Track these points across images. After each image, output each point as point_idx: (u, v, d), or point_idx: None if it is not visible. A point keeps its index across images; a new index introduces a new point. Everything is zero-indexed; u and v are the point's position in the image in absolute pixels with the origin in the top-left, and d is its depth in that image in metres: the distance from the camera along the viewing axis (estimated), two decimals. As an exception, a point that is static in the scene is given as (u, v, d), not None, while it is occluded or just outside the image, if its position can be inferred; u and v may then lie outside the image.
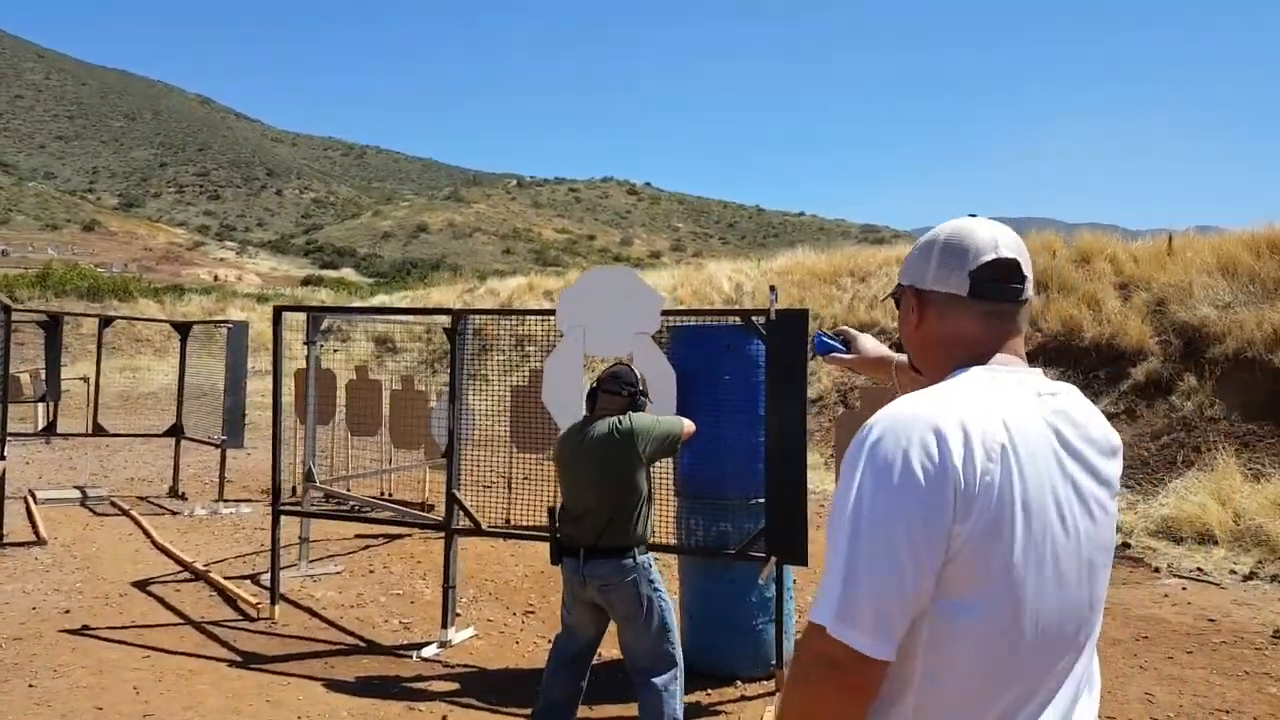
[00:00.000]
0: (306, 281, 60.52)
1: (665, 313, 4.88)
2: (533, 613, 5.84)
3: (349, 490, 9.57)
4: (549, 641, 5.28)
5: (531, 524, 5.98)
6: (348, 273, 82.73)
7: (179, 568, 6.59)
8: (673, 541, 4.95)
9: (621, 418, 3.47)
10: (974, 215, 1.37)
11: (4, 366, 7.01)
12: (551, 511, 3.59)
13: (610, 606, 3.44)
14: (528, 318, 11.19)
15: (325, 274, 73.97)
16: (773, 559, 4.43)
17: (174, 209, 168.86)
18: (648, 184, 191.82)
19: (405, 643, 5.23)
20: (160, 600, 5.82)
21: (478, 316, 7.92)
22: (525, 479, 7.41)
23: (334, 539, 7.64)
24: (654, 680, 3.41)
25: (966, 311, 1.30)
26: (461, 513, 5.28)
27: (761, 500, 4.56)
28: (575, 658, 3.59)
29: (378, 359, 21.46)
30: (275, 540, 5.64)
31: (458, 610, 5.71)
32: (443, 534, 5.34)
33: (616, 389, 3.55)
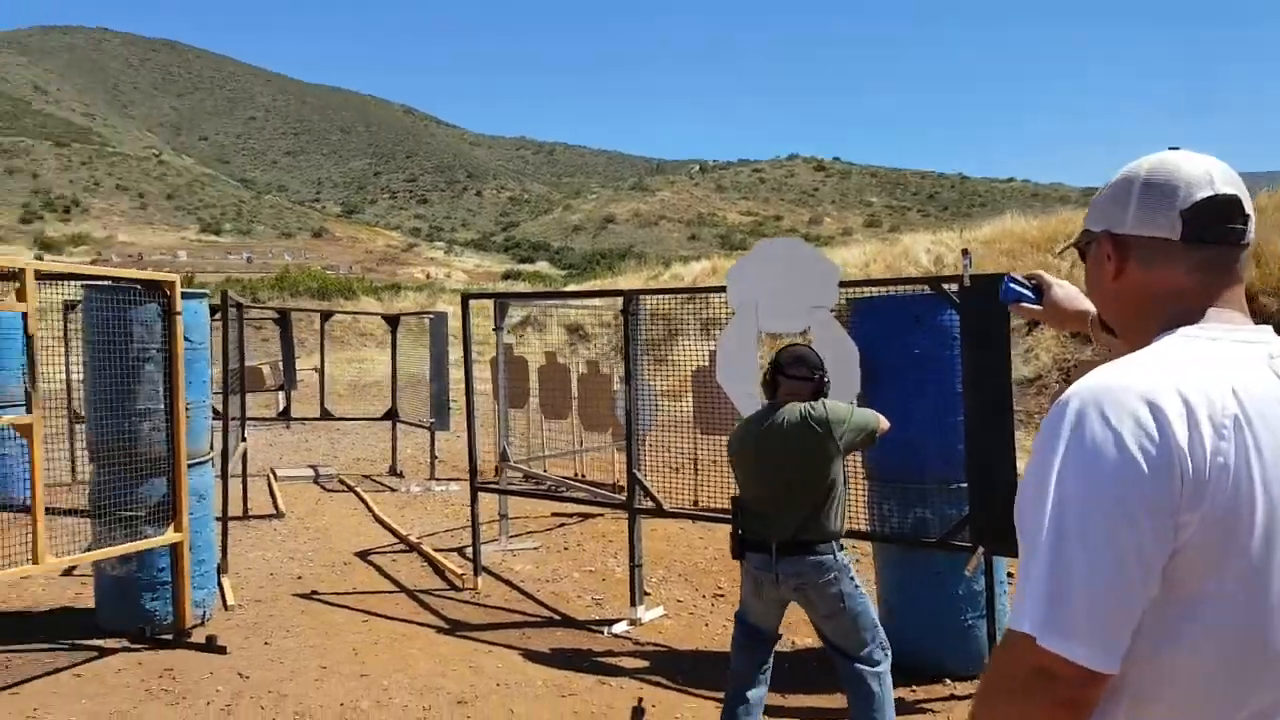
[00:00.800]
0: (507, 276, 63.67)
1: (844, 284, 4.66)
2: (722, 596, 5.81)
3: (545, 470, 9.96)
4: (737, 624, 5.25)
5: (719, 507, 5.96)
6: (543, 266, 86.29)
7: (395, 540, 7.09)
8: (865, 528, 4.74)
9: (813, 404, 3.23)
10: (1176, 148, 1.19)
11: (239, 358, 7.78)
12: (735, 502, 3.37)
13: (809, 605, 3.24)
14: (711, 299, 11.23)
15: (523, 268, 77.54)
16: (980, 549, 4.12)
17: (389, 214, 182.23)
18: (836, 159, 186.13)
19: (597, 618, 5.35)
20: (379, 569, 6.27)
21: (655, 299, 8.02)
22: (713, 462, 7.40)
23: (532, 516, 7.95)
24: (867, 669, 3.19)
25: (1177, 259, 1.12)
26: (643, 493, 5.33)
27: (963, 485, 4.25)
28: (760, 646, 3.40)
29: (570, 346, 22.25)
30: (474, 516, 5.93)
31: (646, 589, 5.77)
32: (626, 514, 5.42)
33: (804, 373, 3.30)
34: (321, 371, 11.06)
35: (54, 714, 3.71)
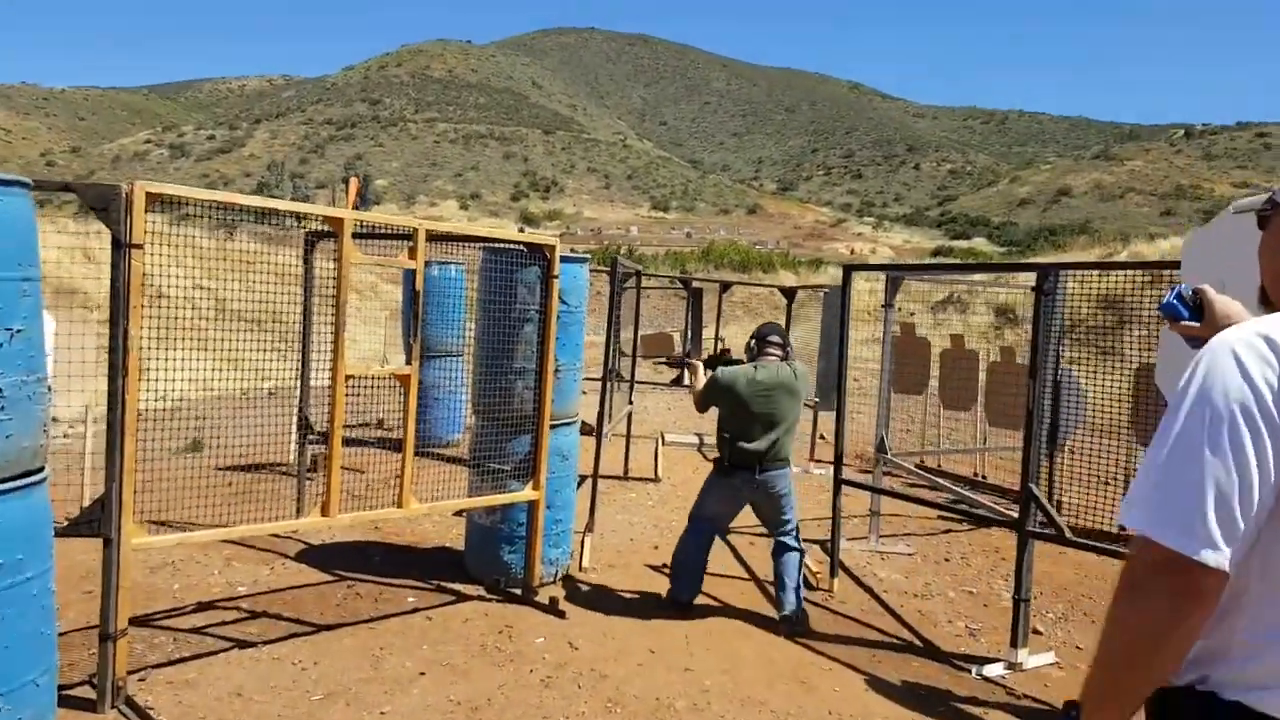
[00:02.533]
0: (936, 253, 60.60)
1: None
2: (1140, 651, 4.59)
3: (939, 465, 8.99)
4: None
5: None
6: (979, 242, 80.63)
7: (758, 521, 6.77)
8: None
9: (792, 364, 4.71)
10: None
11: (634, 325, 7.99)
12: (724, 435, 4.67)
13: (768, 499, 4.74)
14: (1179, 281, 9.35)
15: (955, 245, 73.23)
16: None
17: (821, 190, 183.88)
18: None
19: (966, 652, 4.52)
20: (734, 550, 6.00)
21: (1097, 279, 6.81)
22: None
23: (912, 516, 7.15)
24: (793, 538, 4.81)
25: None
26: (1039, 512, 4.35)
27: None
28: (710, 541, 4.93)
29: (997, 330, 20.26)
30: (836, 511, 5.37)
31: (1037, 628, 4.78)
32: (1015, 533, 4.47)
33: (780, 343, 4.75)
34: (716, 341, 11.15)
35: (395, 655, 3.94)
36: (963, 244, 75.36)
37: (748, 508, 4.92)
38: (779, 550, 4.78)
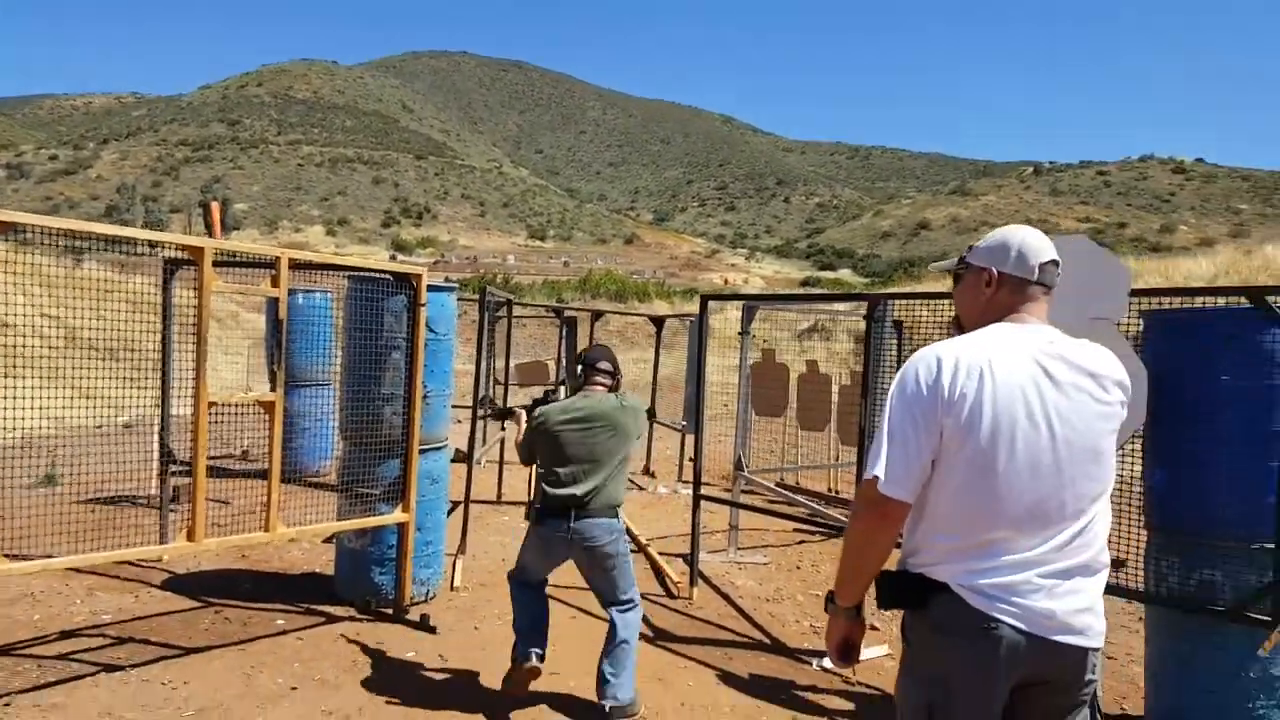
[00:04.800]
0: (805, 282, 63.18)
1: (1138, 293, 3.88)
2: (963, 640, 5.10)
3: (798, 483, 9.54)
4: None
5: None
6: (845, 273, 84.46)
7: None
8: (1139, 586, 3.92)
9: (620, 394, 3.94)
10: (1033, 226, 2.09)
11: (505, 353, 8.20)
12: (539, 478, 3.85)
13: (590, 558, 3.81)
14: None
15: (823, 275, 76.53)
16: None
17: (696, 221, 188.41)
18: (1199, 160, 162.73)
19: (809, 648, 4.92)
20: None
21: (917, 307, 7.46)
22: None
23: (771, 530, 7.60)
24: (628, 614, 3.91)
25: (1028, 290, 2.00)
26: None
27: (1271, 546, 3.46)
28: (539, 595, 4.06)
29: (856, 356, 21.41)
30: (695, 524, 5.71)
31: (874, 624, 5.23)
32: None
33: (610, 370, 3.97)
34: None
35: (266, 673, 4.01)
36: (830, 275, 78.73)
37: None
38: (610, 632, 3.90)
